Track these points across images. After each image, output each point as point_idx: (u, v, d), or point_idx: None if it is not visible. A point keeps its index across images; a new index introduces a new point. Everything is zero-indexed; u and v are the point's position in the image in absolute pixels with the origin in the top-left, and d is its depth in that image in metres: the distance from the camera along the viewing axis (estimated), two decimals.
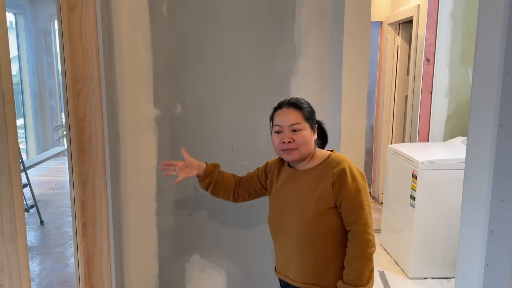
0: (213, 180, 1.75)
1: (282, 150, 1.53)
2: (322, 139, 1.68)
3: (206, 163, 1.78)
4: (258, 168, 1.77)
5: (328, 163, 1.53)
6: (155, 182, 2.11)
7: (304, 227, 1.51)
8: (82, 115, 1.82)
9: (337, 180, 1.48)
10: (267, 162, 1.75)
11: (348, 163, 1.52)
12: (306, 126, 1.52)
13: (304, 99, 1.58)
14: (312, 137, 1.55)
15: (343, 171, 1.48)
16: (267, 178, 1.72)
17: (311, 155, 1.57)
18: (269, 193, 1.70)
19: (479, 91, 1.08)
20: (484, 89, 1.05)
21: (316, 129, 1.58)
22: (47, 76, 6.80)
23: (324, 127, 1.67)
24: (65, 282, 3.07)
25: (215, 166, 1.78)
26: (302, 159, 1.55)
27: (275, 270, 1.67)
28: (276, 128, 1.55)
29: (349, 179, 1.47)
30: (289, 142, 1.50)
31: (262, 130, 2.06)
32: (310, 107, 1.58)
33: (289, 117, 1.52)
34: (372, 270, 1.47)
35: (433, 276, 3.08)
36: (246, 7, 1.99)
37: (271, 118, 1.60)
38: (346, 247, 1.50)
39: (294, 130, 1.51)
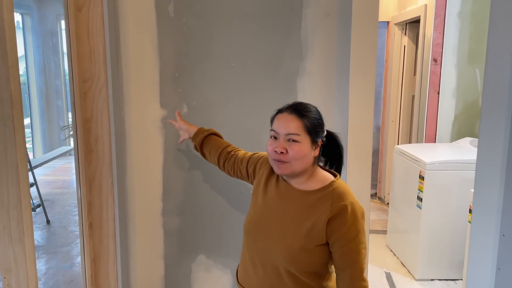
0: (197, 144, 1.76)
1: (273, 159, 1.35)
2: (331, 156, 1.45)
3: (199, 128, 1.79)
4: (253, 154, 1.62)
5: (329, 192, 1.33)
6: (161, 183, 2.11)
7: (287, 259, 1.33)
8: (89, 115, 1.82)
9: (335, 216, 1.29)
10: (263, 156, 1.57)
11: (351, 199, 1.32)
12: (305, 139, 1.32)
13: (315, 107, 1.38)
14: (311, 152, 1.33)
15: (343, 208, 1.29)
16: (254, 171, 1.56)
17: (310, 174, 1.37)
18: (252, 193, 1.52)
19: (490, 92, 1.07)
20: (496, 90, 1.04)
21: (320, 144, 1.36)
22: (53, 76, 6.84)
23: (339, 142, 1.42)
24: (71, 281, 3.08)
25: (200, 131, 1.76)
26: (294, 175, 1.36)
27: (238, 281, 1.50)
28: (272, 133, 1.37)
29: (349, 219, 1.28)
30: (281, 153, 1.31)
31: (268, 130, 2.04)
32: (318, 118, 1.36)
33: (288, 125, 1.32)
34: None
35: (440, 278, 3.06)
36: (252, 7, 1.98)
37: (271, 121, 1.42)
38: (325, 284, 1.36)
39: (291, 140, 1.32)
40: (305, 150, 1.32)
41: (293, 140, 1.31)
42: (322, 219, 1.30)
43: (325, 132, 1.38)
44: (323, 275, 1.37)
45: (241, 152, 1.67)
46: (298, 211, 1.35)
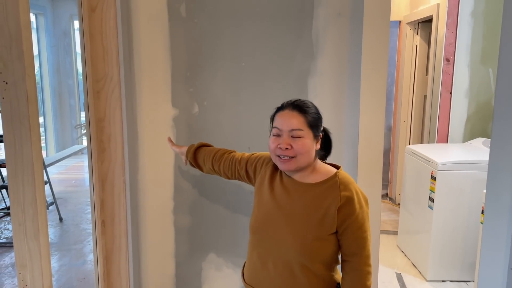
0: (191, 160, 1.78)
1: (277, 156, 1.38)
2: (325, 150, 1.51)
3: (189, 145, 1.81)
4: (252, 154, 1.63)
5: (335, 183, 1.38)
6: (172, 181, 2.13)
7: (300, 250, 1.36)
8: (102, 115, 1.84)
9: (344, 205, 1.34)
10: (263, 155, 1.59)
11: (355, 187, 1.39)
12: (308, 133, 1.36)
13: (311, 103, 1.43)
14: (313, 146, 1.38)
15: (351, 196, 1.35)
16: (255, 171, 1.57)
17: (313, 167, 1.42)
18: (255, 192, 1.55)
19: (503, 91, 1.06)
20: (509, 89, 1.03)
21: (320, 138, 1.42)
22: (66, 75, 6.92)
23: (330, 136, 1.50)
24: (83, 278, 3.12)
25: (190, 148, 1.78)
26: (298, 170, 1.40)
27: (245, 281, 1.53)
28: (274, 131, 1.40)
29: (357, 206, 1.35)
30: (286, 149, 1.35)
31: None
32: (317, 113, 1.41)
33: (291, 121, 1.36)
34: None
35: (451, 279, 3.03)
36: (263, 7, 1.99)
37: (272, 119, 1.45)
38: (333, 274, 1.41)
39: (294, 137, 1.36)
40: (308, 144, 1.37)
41: (297, 136, 1.36)
42: (332, 208, 1.35)
43: (322, 127, 1.45)
44: (333, 266, 1.43)
45: (238, 154, 1.69)
46: (307, 203, 1.39)
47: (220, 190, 2.13)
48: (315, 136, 1.39)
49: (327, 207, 1.35)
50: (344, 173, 1.43)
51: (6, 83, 1.40)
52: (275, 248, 1.41)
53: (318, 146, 1.42)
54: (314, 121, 1.39)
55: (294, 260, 1.38)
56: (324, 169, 1.44)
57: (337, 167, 1.46)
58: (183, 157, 1.84)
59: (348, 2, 1.95)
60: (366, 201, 1.40)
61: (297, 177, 1.42)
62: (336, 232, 1.37)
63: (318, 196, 1.38)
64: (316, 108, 1.43)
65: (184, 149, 1.82)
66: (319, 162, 1.45)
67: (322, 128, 1.44)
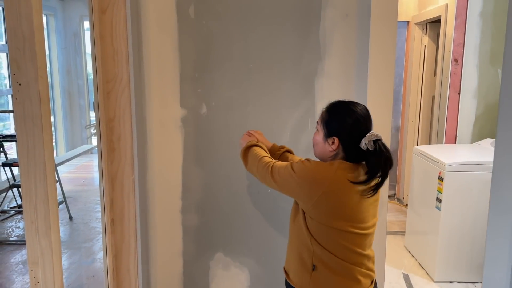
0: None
1: None
2: (349, 157, 1.43)
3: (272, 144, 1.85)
4: None
5: None
6: (180, 181, 2.15)
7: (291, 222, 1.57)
8: (112, 115, 1.87)
9: None
10: None
11: (313, 162, 1.46)
12: (321, 130, 1.46)
13: (345, 105, 1.44)
14: (323, 143, 1.44)
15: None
16: None
17: None
18: None
19: (508, 92, 1.07)
20: None
21: (335, 142, 1.41)
22: (76, 75, 6.99)
23: (382, 158, 1.37)
24: (93, 276, 3.16)
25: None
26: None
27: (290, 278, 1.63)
28: None
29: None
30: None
31: (286, 131, 2.07)
32: (335, 115, 1.43)
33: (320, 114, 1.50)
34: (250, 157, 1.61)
35: (458, 280, 3.03)
36: (271, 9, 2.00)
37: None
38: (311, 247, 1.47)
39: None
40: (317, 138, 1.47)
41: (316, 128, 1.49)
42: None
43: (345, 134, 1.41)
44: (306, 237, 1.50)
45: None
46: None
47: (228, 190, 2.15)
48: (325, 135, 1.43)
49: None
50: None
51: (19, 84, 1.43)
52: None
53: (333, 148, 1.42)
54: (327, 121, 1.44)
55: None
56: None
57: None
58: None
59: (356, 3, 1.96)
60: (303, 160, 1.47)
61: None
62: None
63: None
64: (338, 111, 1.44)
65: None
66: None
67: (343, 135, 1.41)
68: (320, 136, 1.45)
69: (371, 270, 1.49)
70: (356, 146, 1.38)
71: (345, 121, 1.41)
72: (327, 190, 1.37)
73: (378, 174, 1.38)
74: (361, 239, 1.44)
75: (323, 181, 1.38)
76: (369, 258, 1.48)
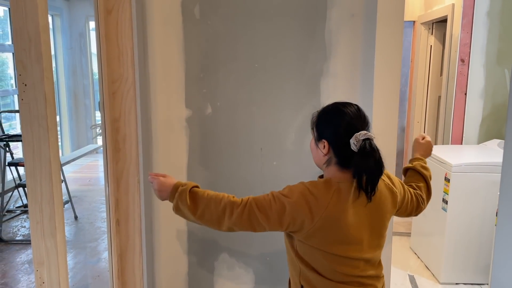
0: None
1: None
2: (341, 163, 1.32)
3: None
4: None
5: None
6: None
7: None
8: (117, 115, 1.87)
9: None
10: None
11: (308, 183, 1.33)
12: (312, 134, 1.40)
13: (334, 106, 1.36)
14: (316, 150, 1.36)
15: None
16: None
17: (326, 174, 1.37)
18: None
19: None
20: None
21: (324, 145, 1.33)
22: (82, 75, 7.02)
23: (370, 158, 1.27)
24: (98, 276, 3.17)
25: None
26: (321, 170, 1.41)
27: None
28: None
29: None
30: None
31: (291, 131, 2.06)
32: (323, 117, 1.36)
33: None
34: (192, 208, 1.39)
35: (465, 282, 3.00)
36: (277, 9, 2.00)
37: None
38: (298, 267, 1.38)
39: None
40: (311, 144, 1.40)
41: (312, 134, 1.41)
42: None
43: (333, 135, 1.32)
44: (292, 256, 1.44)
45: None
46: None
47: (233, 191, 2.14)
48: (316, 139, 1.37)
49: None
50: (328, 178, 1.34)
51: (25, 85, 1.44)
52: None
53: (324, 152, 1.33)
54: (317, 124, 1.36)
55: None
56: (331, 175, 1.35)
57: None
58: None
59: (362, 2, 1.95)
60: (296, 187, 1.33)
61: None
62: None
63: None
64: (323, 112, 1.36)
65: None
66: (334, 169, 1.34)
67: (332, 136, 1.32)
68: (313, 142, 1.39)
69: (372, 285, 1.39)
70: (347, 148, 1.28)
71: (331, 121, 1.33)
72: (325, 214, 1.28)
73: (364, 177, 1.28)
74: (358, 263, 1.34)
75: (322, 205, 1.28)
76: (370, 277, 1.38)
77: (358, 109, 1.35)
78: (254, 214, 1.32)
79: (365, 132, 1.28)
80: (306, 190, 1.31)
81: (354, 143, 1.27)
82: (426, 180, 1.65)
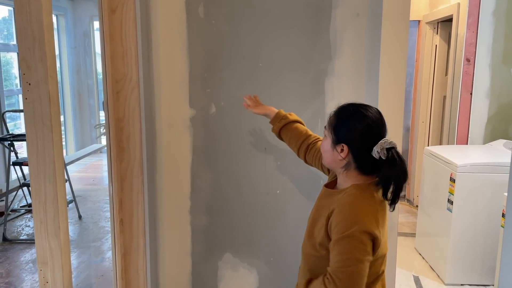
0: (275, 132, 1.75)
1: None
2: (363, 170, 1.30)
3: (278, 111, 1.75)
4: None
5: (345, 190, 1.31)
6: (189, 181, 2.15)
7: (307, 255, 1.37)
8: (121, 115, 1.87)
9: (334, 210, 1.26)
10: None
11: (360, 201, 1.25)
12: (328, 135, 1.33)
13: (355, 108, 1.31)
14: (332, 151, 1.32)
15: (345, 203, 1.26)
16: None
17: (343, 177, 1.33)
18: None
19: None
20: None
21: (344, 149, 1.29)
22: (86, 75, 7.03)
23: (396, 169, 1.23)
24: (102, 275, 3.17)
25: (278, 118, 1.72)
26: (334, 174, 1.40)
27: None
28: None
29: (346, 213, 1.23)
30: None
31: None
32: (343, 120, 1.30)
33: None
34: None
35: (470, 283, 2.99)
36: (281, 8, 1.99)
37: None
38: None
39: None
40: (325, 146, 1.35)
41: (324, 134, 1.37)
42: (326, 215, 1.29)
43: (355, 141, 1.28)
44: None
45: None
46: (318, 210, 1.37)
47: (237, 190, 2.14)
48: (333, 142, 1.31)
49: (325, 214, 1.30)
50: (361, 185, 1.29)
51: (29, 84, 1.43)
52: (303, 246, 1.43)
53: (342, 156, 1.29)
54: (335, 126, 1.31)
55: (303, 266, 1.41)
56: (354, 180, 1.31)
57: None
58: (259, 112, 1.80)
59: (367, 2, 1.94)
60: (360, 227, 1.20)
61: (333, 182, 1.42)
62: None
63: (328, 203, 1.32)
64: (349, 115, 1.31)
65: (270, 113, 1.77)
66: (356, 175, 1.31)
67: (348, 140, 1.29)
68: (328, 143, 1.33)
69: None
70: (368, 155, 1.25)
71: (355, 127, 1.27)
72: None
73: (391, 188, 1.24)
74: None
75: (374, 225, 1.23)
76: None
77: (379, 113, 1.32)
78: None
79: (390, 140, 1.25)
80: (372, 213, 1.25)
81: (377, 151, 1.24)
82: (302, 123, 1.74)
